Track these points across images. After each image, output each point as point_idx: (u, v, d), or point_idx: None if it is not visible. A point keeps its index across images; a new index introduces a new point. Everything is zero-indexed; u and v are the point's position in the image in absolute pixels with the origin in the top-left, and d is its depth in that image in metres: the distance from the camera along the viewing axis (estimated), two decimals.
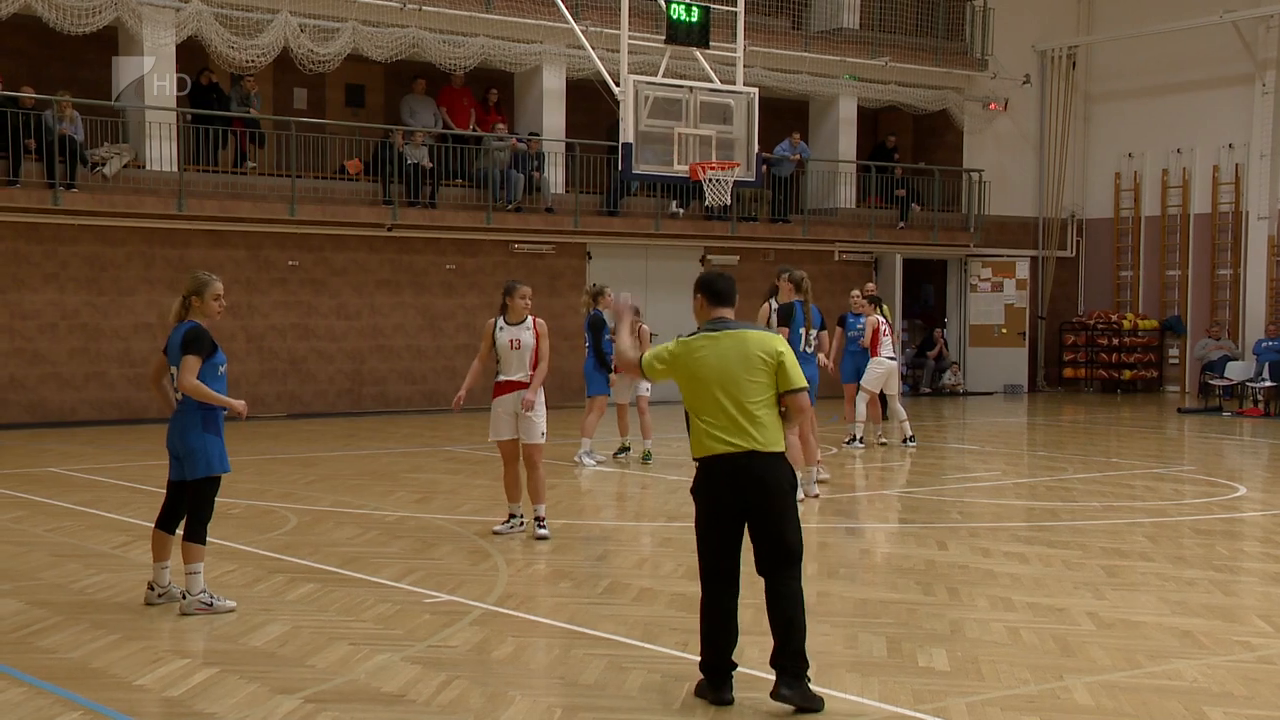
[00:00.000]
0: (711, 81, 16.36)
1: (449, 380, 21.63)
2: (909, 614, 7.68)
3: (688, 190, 21.92)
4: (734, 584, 5.87)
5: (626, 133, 15.31)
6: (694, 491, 5.91)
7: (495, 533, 9.99)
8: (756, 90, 16.65)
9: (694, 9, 15.79)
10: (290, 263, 20.29)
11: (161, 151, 18.99)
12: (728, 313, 6.05)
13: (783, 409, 5.89)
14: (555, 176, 22.12)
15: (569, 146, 22.25)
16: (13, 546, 9.57)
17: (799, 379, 5.95)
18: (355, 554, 9.25)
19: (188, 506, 7.49)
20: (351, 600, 7.83)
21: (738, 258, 23.78)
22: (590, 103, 21.21)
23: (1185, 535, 10.48)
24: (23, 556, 9.20)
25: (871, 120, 26.48)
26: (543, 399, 9.86)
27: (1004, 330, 26.45)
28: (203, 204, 19.21)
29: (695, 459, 5.89)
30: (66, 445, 16.15)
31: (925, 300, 27.85)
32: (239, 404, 7.50)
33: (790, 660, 5.76)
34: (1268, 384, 22.17)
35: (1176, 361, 26.21)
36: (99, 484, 12.69)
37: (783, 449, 5.86)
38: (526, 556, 9.28)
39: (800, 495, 11.13)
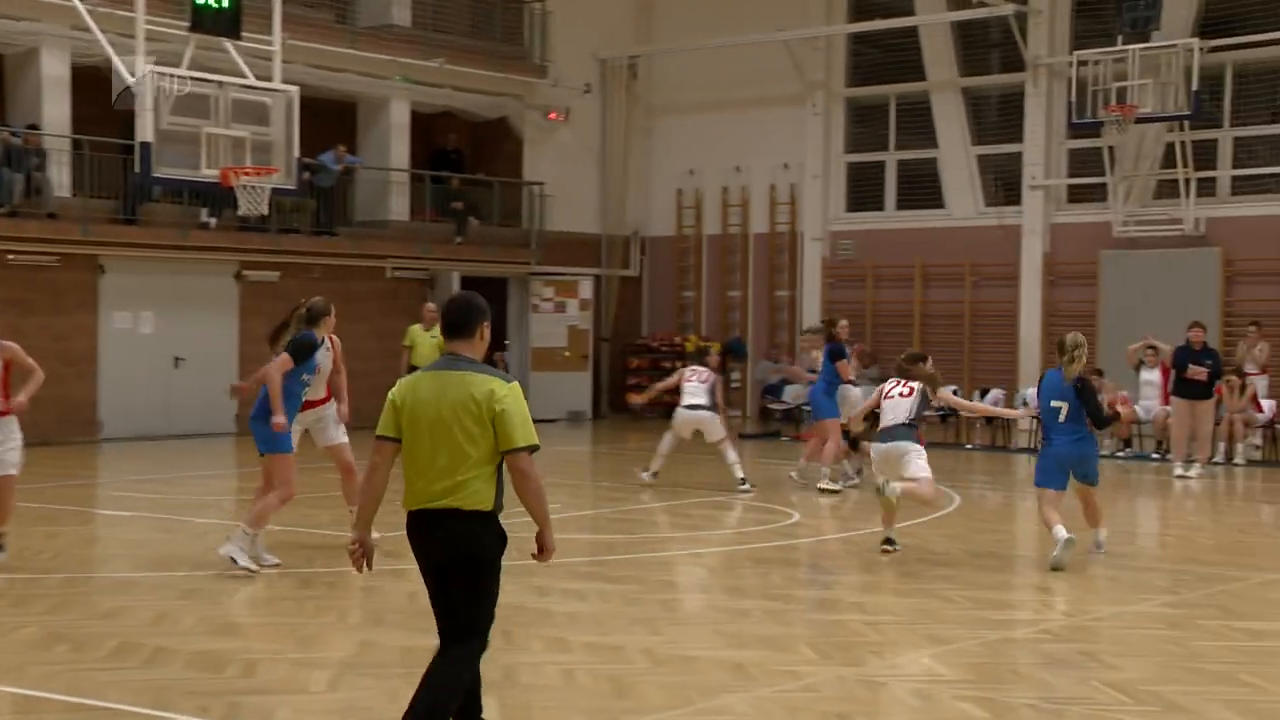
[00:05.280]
0: (245, 77, 15.95)
1: None
2: None
3: (220, 198, 21.22)
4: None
5: (144, 131, 14.71)
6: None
7: None
8: (297, 89, 16.39)
9: None
10: None
11: None
12: (459, 346, 5.67)
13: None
14: (59, 177, 20.85)
15: (76, 143, 21.06)
16: None
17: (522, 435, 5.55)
18: None
19: None
20: None
21: (279, 274, 23.26)
22: (102, 94, 20.02)
23: (743, 565, 11.12)
24: None
25: (426, 126, 26.61)
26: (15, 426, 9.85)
27: (567, 353, 27.21)
28: None
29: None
30: None
31: None
32: None
33: None
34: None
35: (739, 385, 27.81)
36: None
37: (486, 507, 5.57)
38: (13, 619, 8.65)
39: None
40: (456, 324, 5.66)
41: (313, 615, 8.93)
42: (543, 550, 5.72)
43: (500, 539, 5.63)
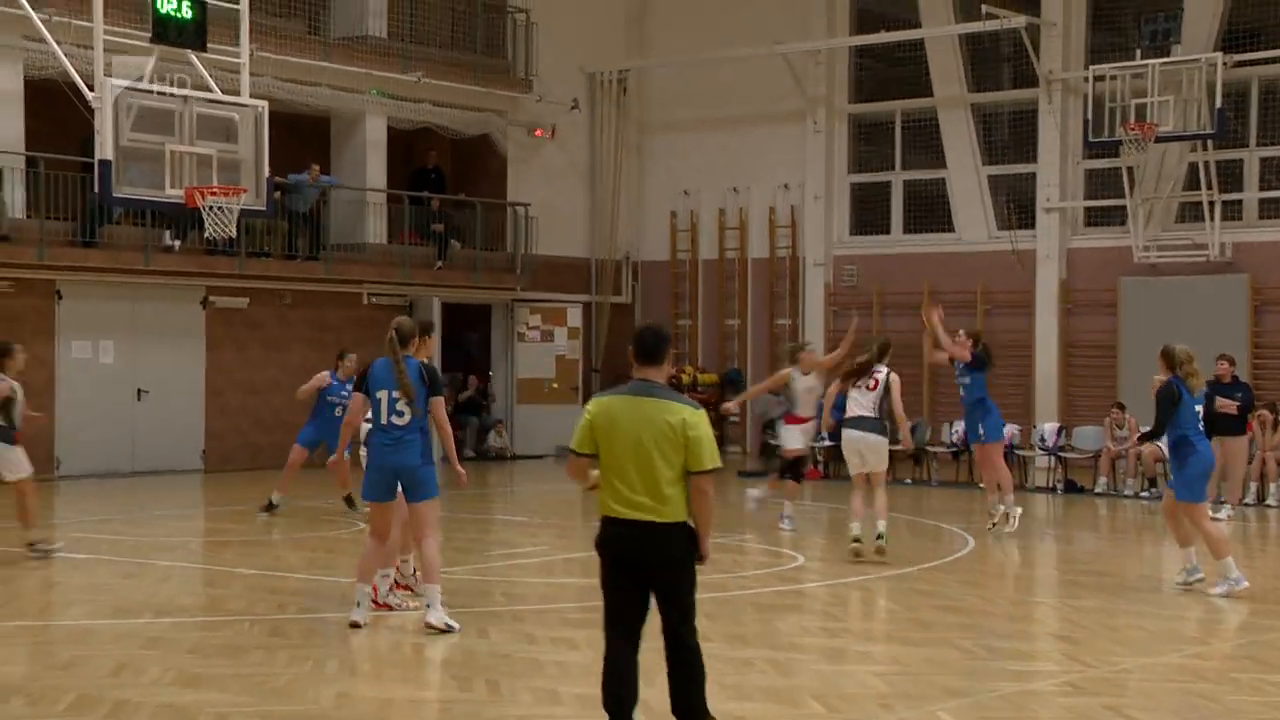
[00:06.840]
0: (211, 91, 15.96)
1: None
2: (442, 714, 7.70)
3: (185, 219, 21.23)
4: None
5: (105, 148, 14.66)
6: None
7: None
8: (266, 103, 16.38)
9: (185, 3, 15.36)
10: None
11: None
12: (649, 372, 6.80)
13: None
14: (14, 197, 20.87)
15: (31, 161, 21.06)
16: None
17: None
18: None
19: None
20: None
21: (248, 300, 23.25)
22: (59, 109, 20.08)
23: (745, 611, 11.09)
24: None
25: (405, 143, 26.68)
26: None
27: (555, 385, 27.17)
28: None
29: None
30: None
31: (468, 350, 28.21)
32: None
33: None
34: (827, 444, 23.87)
35: (737, 419, 27.79)
36: None
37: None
38: None
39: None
40: (649, 351, 6.80)
41: (286, 665, 8.88)
42: (703, 558, 6.85)
43: (694, 542, 6.79)
